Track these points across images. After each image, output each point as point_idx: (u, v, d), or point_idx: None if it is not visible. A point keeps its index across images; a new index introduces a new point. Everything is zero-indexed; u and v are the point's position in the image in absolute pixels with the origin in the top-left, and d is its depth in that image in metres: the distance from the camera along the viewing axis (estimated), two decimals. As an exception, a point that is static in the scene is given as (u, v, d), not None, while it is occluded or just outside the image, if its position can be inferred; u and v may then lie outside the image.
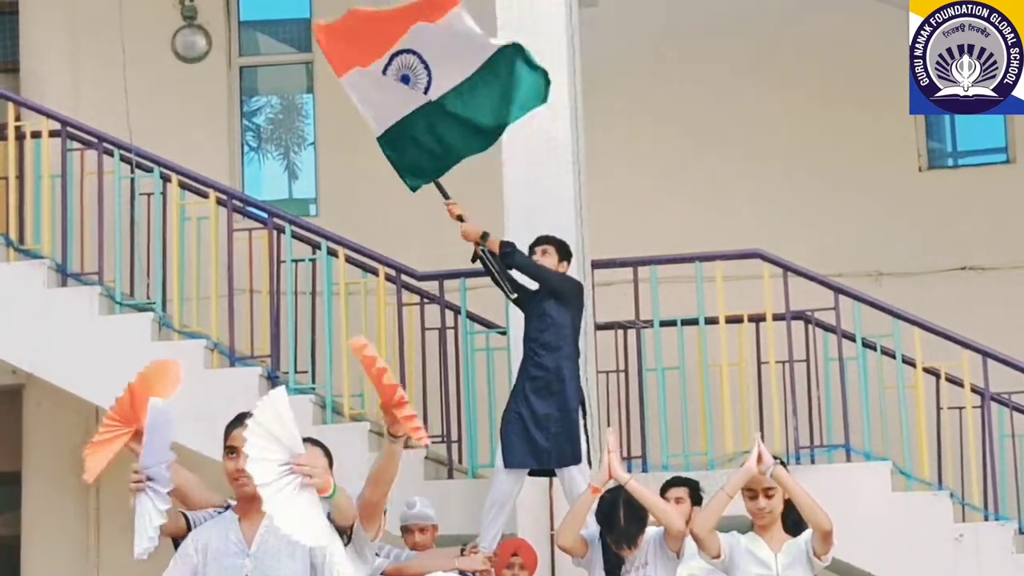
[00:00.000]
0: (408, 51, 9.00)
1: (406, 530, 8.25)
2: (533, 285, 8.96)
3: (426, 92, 9.00)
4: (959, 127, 12.88)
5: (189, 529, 5.41)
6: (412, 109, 9.07)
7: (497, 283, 9.03)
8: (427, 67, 8.96)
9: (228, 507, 5.37)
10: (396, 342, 10.27)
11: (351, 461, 8.87)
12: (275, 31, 13.53)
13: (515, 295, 8.98)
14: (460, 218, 9.01)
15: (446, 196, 9.10)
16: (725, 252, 10.20)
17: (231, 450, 5.12)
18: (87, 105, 12.06)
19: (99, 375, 9.94)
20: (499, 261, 8.93)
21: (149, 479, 5.30)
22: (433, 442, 10.28)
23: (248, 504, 5.13)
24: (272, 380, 10.19)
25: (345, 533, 5.31)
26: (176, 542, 5.44)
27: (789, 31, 12.24)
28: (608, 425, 10.05)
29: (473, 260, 9.06)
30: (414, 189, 9.38)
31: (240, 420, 5.17)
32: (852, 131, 12.27)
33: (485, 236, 8.95)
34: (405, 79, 9.03)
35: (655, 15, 12.49)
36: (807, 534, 6.81)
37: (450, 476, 10.13)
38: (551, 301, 8.89)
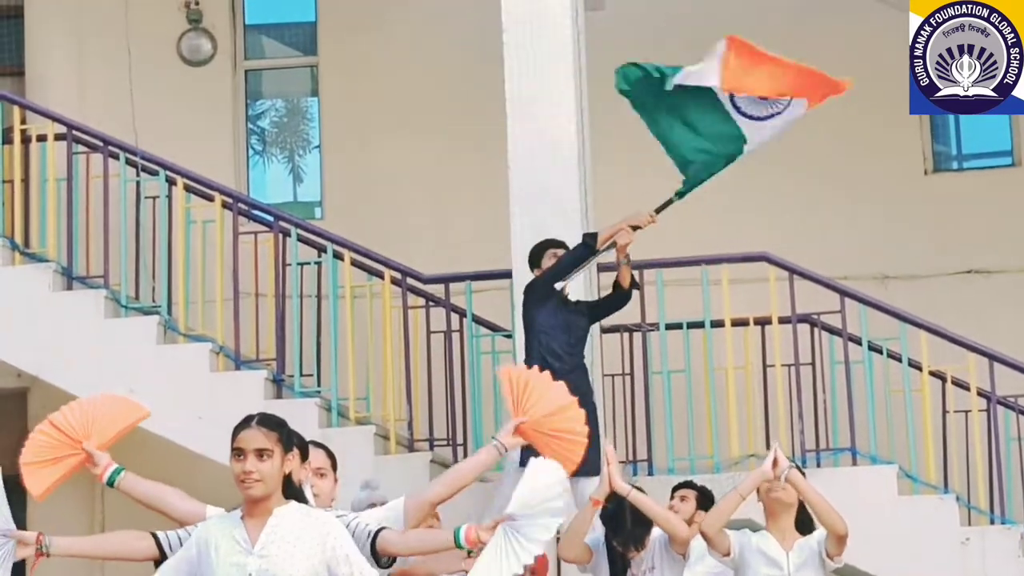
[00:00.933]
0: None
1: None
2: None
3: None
4: (964, 130, 12.88)
5: (160, 548, 5.43)
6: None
7: (556, 274, 8.93)
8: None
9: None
10: (401, 345, 10.27)
11: (356, 465, 8.90)
12: (280, 34, 13.54)
13: (576, 304, 9.00)
14: (636, 228, 8.90)
15: (659, 211, 8.92)
16: (731, 255, 10.20)
17: (238, 452, 5.10)
18: (92, 108, 12.07)
19: (105, 378, 9.93)
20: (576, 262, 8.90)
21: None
22: (438, 446, 10.30)
23: (253, 505, 5.12)
24: (277, 384, 10.20)
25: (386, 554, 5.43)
26: (157, 565, 5.45)
27: (794, 33, 12.21)
28: (613, 429, 10.06)
29: (587, 238, 8.92)
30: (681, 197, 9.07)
31: (247, 422, 5.16)
32: (857, 134, 12.26)
33: (628, 259, 8.96)
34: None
35: (661, 18, 12.49)
36: (819, 534, 6.80)
37: (455, 479, 10.10)
38: (588, 318, 9.06)
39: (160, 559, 5.41)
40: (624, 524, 7.30)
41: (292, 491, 5.22)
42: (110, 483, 5.88)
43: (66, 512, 11.93)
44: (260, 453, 5.09)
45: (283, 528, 5.09)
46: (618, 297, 9.10)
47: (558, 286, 8.90)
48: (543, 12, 9.61)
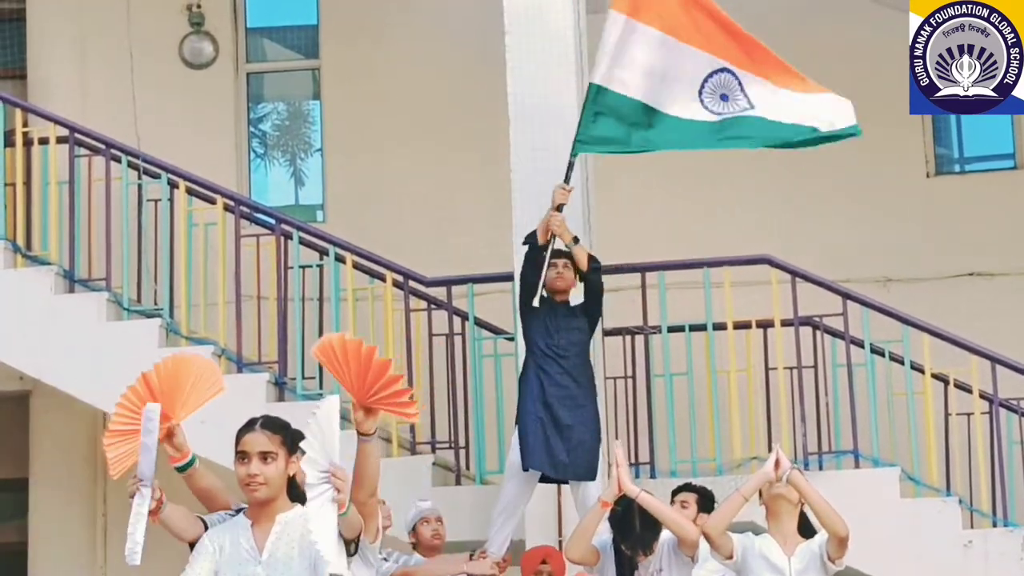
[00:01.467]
0: (728, 72, 8.72)
1: (424, 522, 8.25)
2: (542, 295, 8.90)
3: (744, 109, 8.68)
4: (966, 133, 12.88)
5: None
6: (693, 117, 8.68)
7: (525, 284, 8.85)
8: (746, 96, 8.69)
9: (239, 511, 5.35)
10: (404, 348, 10.26)
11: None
12: (282, 38, 13.55)
13: (536, 304, 8.80)
14: (560, 208, 8.77)
15: (567, 180, 8.80)
16: (733, 258, 10.19)
17: (242, 455, 5.10)
18: (94, 111, 12.07)
19: (106, 381, 9.88)
20: (537, 265, 8.77)
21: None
22: (440, 448, 10.29)
23: (259, 510, 5.11)
24: (279, 386, 10.20)
25: (352, 543, 5.31)
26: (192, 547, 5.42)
27: (796, 36, 12.22)
28: (615, 431, 10.05)
29: (526, 241, 8.84)
30: (575, 155, 8.87)
31: (251, 425, 5.16)
32: (860, 137, 12.24)
33: (576, 240, 8.82)
34: (723, 97, 8.72)
35: (662, 21, 12.47)
36: (820, 538, 6.80)
37: (458, 482, 10.11)
38: (584, 318, 8.91)
39: None
40: (632, 528, 7.29)
41: (296, 493, 5.21)
42: (181, 469, 5.60)
43: (68, 512, 11.96)
44: (264, 456, 5.08)
45: (287, 535, 5.09)
46: (586, 283, 8.93)
47: (544, 293, 8.85)
48: (545, 15, 9.62)
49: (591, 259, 8.88)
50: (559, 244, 8.85)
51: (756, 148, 9.05)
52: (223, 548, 5.11)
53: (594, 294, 8.94)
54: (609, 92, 8.82)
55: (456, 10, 12.69)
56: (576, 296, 9.04)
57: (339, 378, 5.22)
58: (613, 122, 8.83)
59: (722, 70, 8.74)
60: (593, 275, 8.89)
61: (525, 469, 8.66)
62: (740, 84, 8.71)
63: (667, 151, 9.17)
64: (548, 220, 8.78)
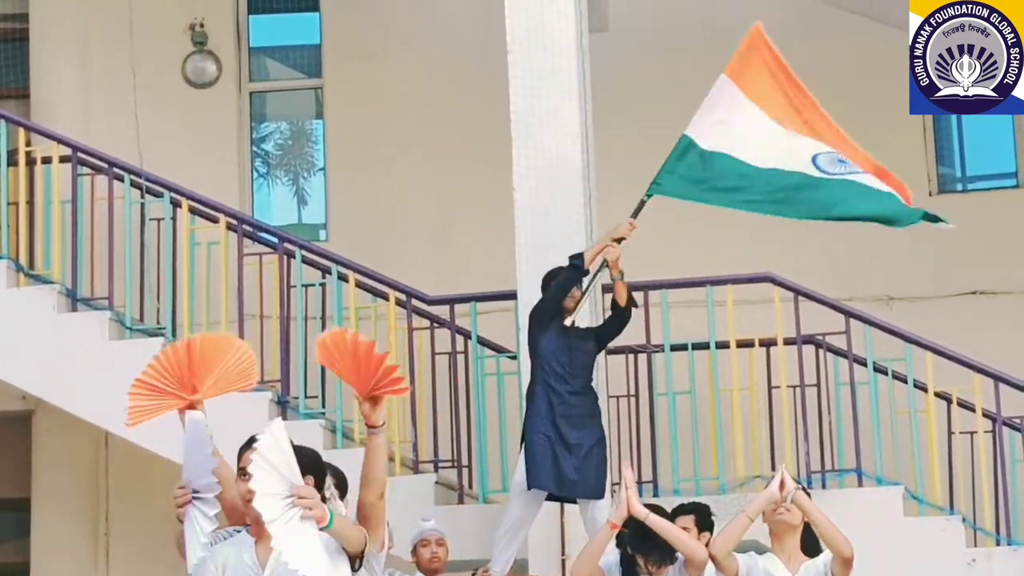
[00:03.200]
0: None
1: (423, 544, 8.25)
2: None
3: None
4: (968, 152, 12.89)
5: None
6: (795, 169, 8.69)
7: (554, 301, 8.87)
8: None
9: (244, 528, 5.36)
10: (406, 367, 10.26)
11: (362, 486, 8.88)
12: (285, 57, 13.57)
13: (568, 324, 8.90)
14: (620, 241, 8.82)
15: (635, 215, 8.85)
16: (736, 276, 10.19)
17: (243, 472, 5.11)
18: (97, 130, 12.08)
19: (109, 400, 9.88)
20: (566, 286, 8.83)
21: (194, 491, 5.34)
22: (443, 467, 10.29)
23: (261, 526, 5.12)
24: (282, 405, 10.19)
25: (357, 558, 5.31)
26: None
27: (799, 56, 12.20)
28: (619, 450, 10.05)
29: (572, 261, 8.85)
30: (650, 195, 8.97)
31: (252, 443, 5.17)
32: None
33: (622, 274, 8.87)
34: (840, 161, 8.72)
35: (665, 40, 12.51)
36: (825, 556, 6.80)
37: (461, 501, 10.10)
38: (595, 343, 9.00)
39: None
40: (656, 539, 7.23)
41: (299, 511, 5.21)
42: None
43: (70, 532, 11.94)
44: (265, 473, 5.09)
45: (290, 553, 5.09)
46: (617, 317, 9.03)
47: (567, 321, 8.88)
48: (547, 34, 9.62)
49: (630, 298, 8.96)
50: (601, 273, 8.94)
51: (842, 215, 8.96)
52: (226, 566, 5.12)
53: (620, 326, 9.05)
54: (698, 147, 8.88)
55: (459, 29, 12.72)
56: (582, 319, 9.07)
57: (341, 375, 5.32)
58: (695, 173, 8.86)
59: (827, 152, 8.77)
60: (628, 312, 8.98)
61: (531, 488, 8.64)
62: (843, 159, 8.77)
63: (743, 210, 9.16)
64: (604, 250, 8.81)
